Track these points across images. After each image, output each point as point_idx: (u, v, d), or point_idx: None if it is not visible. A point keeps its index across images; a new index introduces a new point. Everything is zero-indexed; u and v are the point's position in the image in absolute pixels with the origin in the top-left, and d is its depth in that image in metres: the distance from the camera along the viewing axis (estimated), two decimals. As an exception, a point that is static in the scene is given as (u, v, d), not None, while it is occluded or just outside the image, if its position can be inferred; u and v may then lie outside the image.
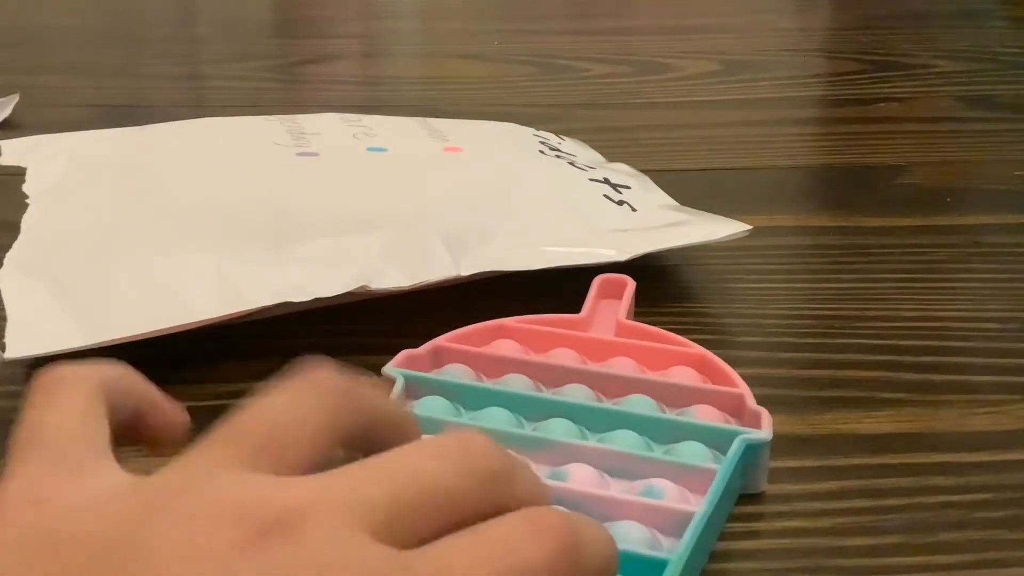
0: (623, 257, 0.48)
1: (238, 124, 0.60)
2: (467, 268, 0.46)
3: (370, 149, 0.55)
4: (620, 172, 0.57)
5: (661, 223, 0.51)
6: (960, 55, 0.84)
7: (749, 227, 0.50)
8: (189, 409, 0.31)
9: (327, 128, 0.58)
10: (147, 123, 0.62)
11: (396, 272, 0.45)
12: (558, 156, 0.57)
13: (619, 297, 0.46)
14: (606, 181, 0.54)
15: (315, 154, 0.54)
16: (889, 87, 0.78)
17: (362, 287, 0.44)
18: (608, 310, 0.45)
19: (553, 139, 0.61)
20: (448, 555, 0.22)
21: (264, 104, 0.75)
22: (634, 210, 0.52)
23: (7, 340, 0.41)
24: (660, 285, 0.50)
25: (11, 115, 0.71)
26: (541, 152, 0.58)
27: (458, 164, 0.55)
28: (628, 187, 0.54)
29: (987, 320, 0.48)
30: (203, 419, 0.41)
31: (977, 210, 0.59)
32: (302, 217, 0.48)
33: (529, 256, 0.48)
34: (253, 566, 0.21)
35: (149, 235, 0.47)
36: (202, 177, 0.52)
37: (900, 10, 0.96)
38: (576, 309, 0.45)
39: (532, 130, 0.62)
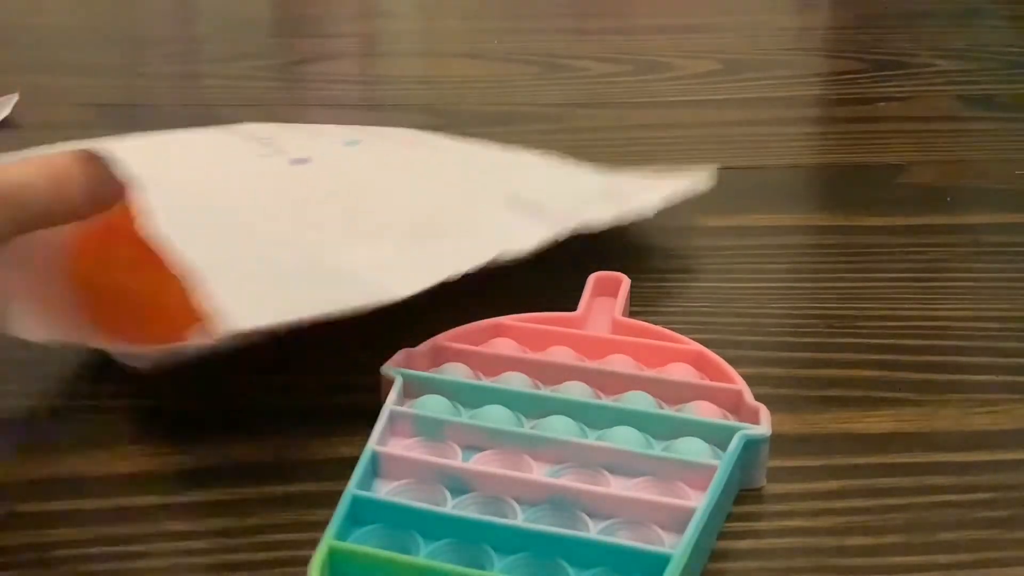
0: (651, 213, 0.51)
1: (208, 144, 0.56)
2: (561, 230, 0.47)
3: (347, 144, 0.54)
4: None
5: (640, 181, 0.54)
6: (960, 54, 0.84)
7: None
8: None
9: (281, 134, 0.56)
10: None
11: (513, 241, 0.45)
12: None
13: (614, 295, 0.46)
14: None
15: (307, 160, 0.52)
16: (889, 86, 0.78)
17: (499, 255, 0.44)
18: (604, 308, 0.45)
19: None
20: None
21: (264, 103, 0.75)
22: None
23: (221, 314, 0.36)
24: (659, 284, 0.50)
25: (11, 114, 0.71)
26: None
27: (444, 148, 0.55)
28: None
29: (987, 320, 0.48)
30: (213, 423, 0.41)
31: (977, 210, 0.59)
32: (382, 216, 0.46)
33: (599, 213, 0.49)
34: None
35: (301, 225, 0.44)
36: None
37: (900, 9, 0.96)
38: (571, 307, 0.45)
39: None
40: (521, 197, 0.48)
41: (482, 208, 0.47)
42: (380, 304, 0.40)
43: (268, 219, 0.42)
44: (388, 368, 0.40)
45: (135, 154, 0.40)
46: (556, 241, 0.46)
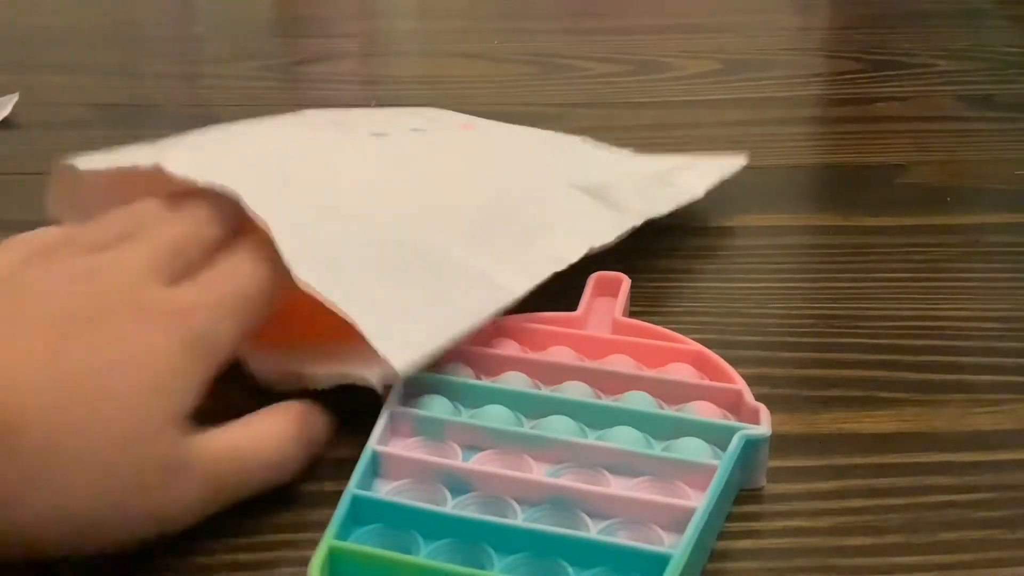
0: (701, 193, 0.53)
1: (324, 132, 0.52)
2: (635, 221, 0.48)
3: (413, 130, 0.54)
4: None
5: (680, 163, 0.56)
6: (960, 54, 0.84)
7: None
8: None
9: (347, 118, 0.55)
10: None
11: (599, 233, 0.47)
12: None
13: (615, 295, 0.46)
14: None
15: (385, 134, 0.50)
16: (889, 86, 0.78)
17: (591, 250, 0.46)
18: (604, 307, 0.45)
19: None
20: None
21: (264, 103, 0.75)
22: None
23: (389, 355, 0.37)
24: (659, 284, 0.50)
25: (11, 114, 0.71)
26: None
27: (499, 136, 0.55)
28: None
29: (987, 320, 0.48)
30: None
31: (977, 210, 0.59)
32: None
33: (660, 202, 0.51)
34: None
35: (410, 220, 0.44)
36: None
37: (900, 9, 0.96)
38: (571, 307, 0.45)
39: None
40: (592, 187, 0.49)
41: (563, 199, 0.48)
42: (507, 306, 0.42)
43: (385, 221, 0.42)
44: (388, 368, 0.40)
45: (255, 186, 0.39)
46: (630, 232, 0.48)
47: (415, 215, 0.44)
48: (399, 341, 0.37)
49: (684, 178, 0.54)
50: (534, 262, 0.44)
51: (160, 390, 0.32)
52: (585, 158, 0.55)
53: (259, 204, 0.38)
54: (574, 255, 0.45)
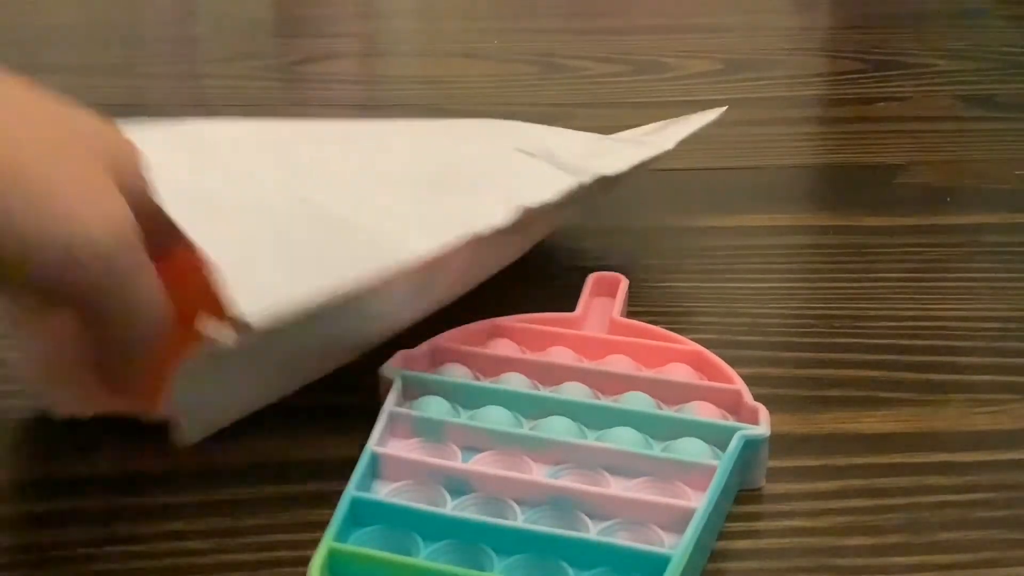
0: (671, 145, 0.50)
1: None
2: (583, 177, 0.45)
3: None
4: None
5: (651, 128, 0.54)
6: (960, 54, 0.84)
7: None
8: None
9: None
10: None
11: (537, 191, 0.43)
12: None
13: (613, 295, 0.46)
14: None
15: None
16: (889, 86, 0.78)
17: (524, 209, 0.42)
18: (602, 308, 0.45)
19: None
20: None
21: (264, 103, 0.75)
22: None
23: (242, 304, 0.33)
24: (658, 284, 0.50)
25: (10, 114, 0.71)
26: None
27: (455, 121, 0.54)
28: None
29: (987, 320, 0.48)
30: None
31: (977, 210, 0.59)
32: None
33: (618, 158, 0.48)
34: None
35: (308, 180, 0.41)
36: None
37: (900, 9, 0.96)
38: (570, 308, 0.45)
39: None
40: (539, 150, 0.47)
41: (501, 161, 0.46)
42: (400, 266, 0.38)
43: (291, 184, 0.40)
44: (387, 369, 0.40)
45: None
46: (580, 187, 0.45)
47: (328, 180, 0.41)
48: (256, 290, 0.34)
49: (653, 137, 0.53)
50: (446, 223, 0.40)
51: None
52: (546, 132, 0.52)
53: (152, 148, 0.37)
54: (499, 217, 0.41)
